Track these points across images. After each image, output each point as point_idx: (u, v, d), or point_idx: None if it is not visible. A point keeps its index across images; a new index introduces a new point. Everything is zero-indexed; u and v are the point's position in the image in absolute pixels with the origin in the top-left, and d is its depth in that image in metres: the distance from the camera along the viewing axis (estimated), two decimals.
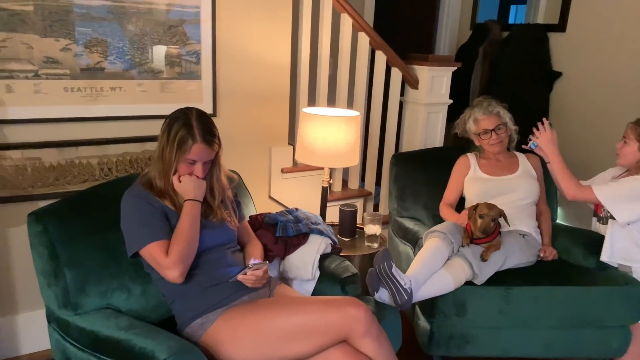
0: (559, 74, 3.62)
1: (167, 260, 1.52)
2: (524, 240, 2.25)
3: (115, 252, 1.65)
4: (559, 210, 2.75)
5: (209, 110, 2.42)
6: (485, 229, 2.08)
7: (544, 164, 2.51)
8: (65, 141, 2.15)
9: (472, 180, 2.44)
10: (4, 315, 2.20)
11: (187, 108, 1.64)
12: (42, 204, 1.77)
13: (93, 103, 2.16)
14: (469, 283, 2.04)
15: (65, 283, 1.58)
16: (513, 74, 3.72)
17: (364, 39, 2.93)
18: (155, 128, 1.65)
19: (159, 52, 2.26)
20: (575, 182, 2.20)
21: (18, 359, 2.23)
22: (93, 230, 1.67)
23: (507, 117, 2.43)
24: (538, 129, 2.28)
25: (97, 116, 2.18)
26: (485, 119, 2.39)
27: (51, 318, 1.66)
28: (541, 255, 2.30)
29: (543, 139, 2.26)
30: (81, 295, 1.59)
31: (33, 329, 2.20)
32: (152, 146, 2.24)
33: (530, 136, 2.30)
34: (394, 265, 1.89)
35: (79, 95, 2.12)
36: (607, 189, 2.15)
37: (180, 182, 1.63)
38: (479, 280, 2.03)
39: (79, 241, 1.62)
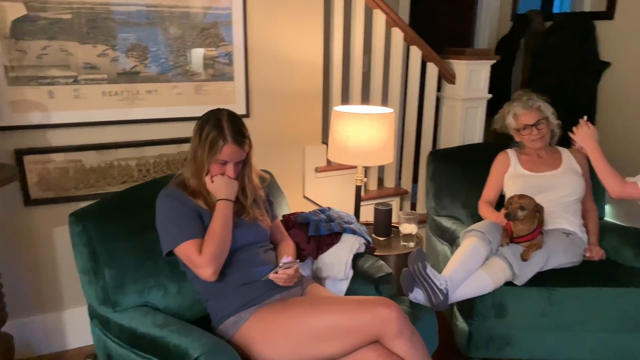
0: (607, 64, 3.45)
1: (201, 258, 1.54)
2: (567, 239, 2.15)
3: (152, 251, 1.68)
4: (607, 208, 2.62)
5: (242, 111, 2.44)
6: (509, 213, 2.00)
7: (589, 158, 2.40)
8: (104, 144, 2.22)
9: (512, 177, 2.36)
10: (52, 311, 2.30)
11: (218, 109, 1.66)
12: (84, 204, 1.83)
13: (130, 106, 2.22)
14: (508, 284, 1.97)
15: (105, 281, 1.62)
16: (557, 66, 3.57)
17: (398, 35, 2.88)
18: (190, 129, 1.68)
19: (193, 55, 2.29)
20: (618, 179, 2.06)
21: (65, 353, 2.33)
22: (131, 230, 1.71)
23: (548, 111, 2.33)
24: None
25: (134, 119, 2.24)
26: (525, 114, 2.30)
27: (93, 314, 1.71)
28: (587, 255, 2.19)
29: (581, 134, 2.13)
30: (119, 293, 1.63)
31: (78, 325, 2.28)
32: (187, 147, 2.25)
33: (569, 133, 2.20)
34: (428, 265, 1.85)
35: (116, 99, 2.19)
36: None
37: (212, 182, 1.65)
38: (520, 281, 1.96)
39: (117, 241, 1.67)
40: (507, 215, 2.01)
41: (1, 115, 2.00)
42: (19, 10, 1.95)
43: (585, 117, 2.14)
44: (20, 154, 2.08)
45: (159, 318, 1.58)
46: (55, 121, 2.10)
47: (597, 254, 2.19)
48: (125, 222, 1.72)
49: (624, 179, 2.06)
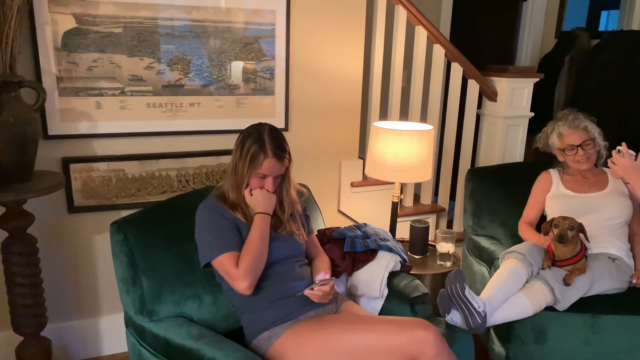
0: None
1: (237, 271, 1.55)
2: (613, 264, 2.06)
3: (190, 262, 1.70)
4: None
5: (281, 124, 2.46)
6: (562, 235, 1.94)
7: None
8: (146, 154, 2.27)
9: (554, 197, 2.29)
10: (89, 317, 2.35)
11: (260, 124, 1.68)
12: (125, 213, 1.87)
13: (173, 118, 2.27)
14: (549, 308, 1.90)
15: (142, 290, 1.65)
16: (603, 84, 3.47)
17: (439, 51, 2.86)
18: (230, 142, 1.71)
19: (236, 69, 2.33)
20: None
21: (100, 359, 2.37)
22: (169, 240, 1.74)
23: (595, 131, 2.25)
24: (618, 152, 2.06)
25: (177, 130, 2.29)
26: (570, 134, 2.23)
27: (128, 323, 1.74)
28: (633, 282, 2.09)
29: (622, 166, 2.03)
30: (156, 303, 1.65)
31: (114, 332, 2.33)
32: (227, 159, 2.31)
33: (608, 161, 2.10)
34: (467, 287, 1.80)
35: (160, 111, 2.24)
36: None
37: (251, 195, 1.66)
38: (561, 306, 1.89)
39: (156, 250, 1.69)
40: (560, 238, 1.95)
41: (51, 125, 2.08)
42: (70, 23, 2.02)
43: (624, 144, 2.04)
44: (67, 162, 2.14)
45: (194, 329, 1.59)
46: (101, 131, 2.17)
47: None
48: (165, 232, 1.75)
49: None
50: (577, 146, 2.22)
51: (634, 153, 2.03)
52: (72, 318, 2.32)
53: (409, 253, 2.45)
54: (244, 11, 2.28)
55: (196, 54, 2.24)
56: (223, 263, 1.57)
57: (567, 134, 2.24)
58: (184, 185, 2.36)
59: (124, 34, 2.11)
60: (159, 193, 2.32)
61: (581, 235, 2.01)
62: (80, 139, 2.15)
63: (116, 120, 2.18)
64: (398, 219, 2.53)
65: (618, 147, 2.06)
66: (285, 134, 1.72)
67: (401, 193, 2.50)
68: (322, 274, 1.64)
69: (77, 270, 2.29)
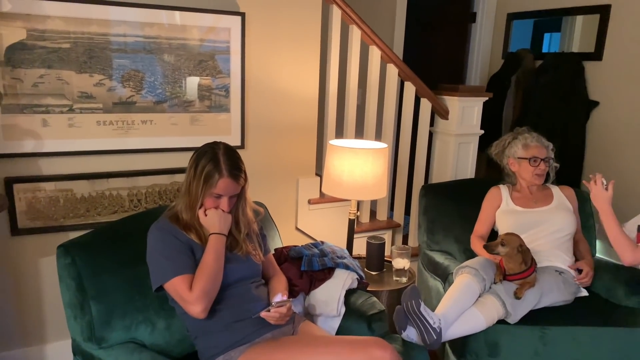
0: (595, 104, 3.52)
1: (191, 295, 1.51)
2: (560, 277, 2.15)
3: (142, 285, 1.65)
4: (598, 244, 2.63)
5: (237, 142, 2.44)
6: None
7: (579, 195, 2.42)
8: (96, 173, 2.20)
9: (504, 213, 2.37)
10: (34, 345, 2.23)
11: (215, 143, 1.66)
12: (74, 234, 1.80)
13: (124, 136, 2.21)
14: (501, 322, 1.95)
15: (91, 316, 1.58)
16: (547, 104, 3.64)
17: (392, 71, 2.92)
18: (184, 160, 1.68)
19: (191, 86, 2.31)
20: (630, 246, 2.01)
21: None
22: (120, 263, 1.68)
23: (551, 152, 2.37)
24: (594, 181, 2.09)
25: (128, 148, 2.23)
26: (538, 147, 2.32)
27: (76, 350, 1.66)
28: (577, 280, 2.18)
29: (595, 195, 2.08)
30: (106, 329, 1.59)
31: (61, 359, 2.21)
32: (181, 178, 2.27)
33: (584, 182, 2.17)
34: (422, 303, 1.83)
35: (111, 129, 2.18)
36: None
37: (206, 215, 1.63)
38: (512, 320, 1.95)
39: (106, 274, 1.64)
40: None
41: None
42: (13, 37, 1.94)
43: (600, 175, 2.08)
44: (10, 182, 2.05)
45: (145, 356, 1.54)
46: (47, 149, 2.09)
47: (587, 276, 2.20)
48: (115, 254, 1.69)
49: (635, 246, 2.02)
50: (541, 160, 2.31)
51: (604, 182, 2.08)
52: (15, 346, 2.20)
53: (365, 269, 2.47)
54: (199, 28, 2.27)
55: (149, 70, 2.20)
56: (176, 286, 1.53)
57: (534, 145, 2.32)
58: (135, 204, 2.30)
59: (73, 49, 2.05)
60: (109, 213, 2.25)
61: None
62: (24, 157, 2.06)
63: (64, 138, 2.10)
64: (355, 235, 2.54)
65: (596, 177, 2.08)
66: (241, 151, 1.71)
67: (358, 209, 2.52)
68: (279, 295, 1.62)
69: (21, 296, 2.17)
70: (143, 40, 2.16)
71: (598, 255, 2.61)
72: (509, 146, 2.39)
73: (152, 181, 2.31)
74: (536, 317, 1.99)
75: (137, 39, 2.15)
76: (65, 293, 1.62)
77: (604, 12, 3.42)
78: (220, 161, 1.58)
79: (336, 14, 2.70)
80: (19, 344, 2.20)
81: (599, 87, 3.51)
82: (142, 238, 1.64)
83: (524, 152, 2.34)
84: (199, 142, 1.69)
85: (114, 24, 2.10)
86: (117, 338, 1.60)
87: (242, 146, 2.47)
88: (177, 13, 2.21)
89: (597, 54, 3.48)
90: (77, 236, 1.72)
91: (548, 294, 2.06)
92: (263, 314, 1.55)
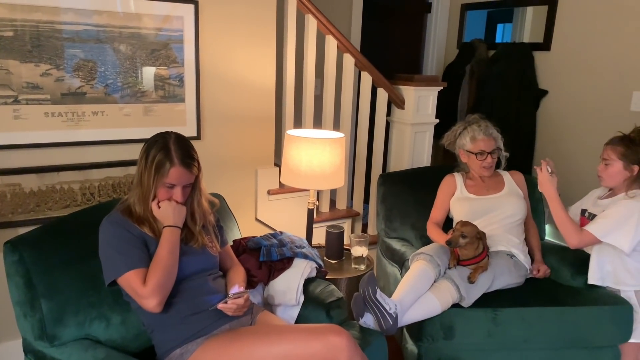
0: (545, 92, 3.65)
1: (145, 289, 1.48)
2: (512, 261, 2.23)
3: (95, 280, 1.61)
4: (547, 228, 2.74)
5: (192, 133, 2.40)
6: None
7: (528, 181, 2.51)
8: (45, 166, 2.12)
9: (458, 200, 2.43)
10: None
11: (166, 132, 1.63)
12: (23, 230, 1.74)
13: (75, 128, 2.14)
14: (456, 305, 2.02)
15: (42, 314, 1.54)
16: (500, 93, 3.74)
17: (349, 60, 2.94)
18: (137, 152, 1.64)
19: (143, 76, 2.25)
20: (575, 230, 2.10)
21: None
22: (72, 258, 1.63)
23: (500, 141, 2.42)
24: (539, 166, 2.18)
25: (79, 141, 2.16)
26: (485, 140, 2.36)
27: (28, 349, 1.62)
28: (534, 273, 2.28)
29: (542, 180, 2.16)
30: (58, 326, 1.55)
31: (12, 359, 2.14)
32: (134, 170, 2.21)
33: (535, 167, 2.23)
34: (378, 290, 1.86)
35: (60, 120, 2.11)
36: (602, 227, 2.06)
37: (159, 207, 1.60)
38: (466, 303, 2.01)
39: (56, 270, 1.59)
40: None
41: None
42: None
43: (548, 160, 2.17)
44: None
45: (101, 352, 1.51)
46: None
47: (544, 271, 2.29)
48: (67, 250, 1.64)
49: (580, 229, 2.11)
50: (488, 153, 2.37)
51: (549, 169, 2.17)
52: None
53: (325, 258, 2.49)
54: (150, 16, 2.21)
55: (100, 60, 2.14)
56: (130, 281, 1.50)
57: (480, 139, 2.37)
58: (88, 198, 2.24)
59: (16, 37, 1.96)
60: (61, 208, 2.18)
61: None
62: None
63: (9, 130, 2.02)
64: (315, 225, 2.56)
65: (543, 162, 2.17)
66: (198, 142, 1.69)
67: (317, 199, 2.53)
68: (237, 286, 1.62)
69: None
70: (91, 28, 2.09)
71: (547, 238, 2.73)
72: (460, 137, 2.45)
73: (105, 174, 2.25)
74: (489, 300, 2.06)
75: (84, 27, 2.08)
76: (13, 291, 1.57)
77: (552, 3, 3.54)
78: (171, 150, 1.56)
79: (291, 3, 2.68)
80: None
81: (547, 77, 3.64)
82: (94, 232, 1.61)
83: (472, 146, 2.39)
84: (152, 133, 1.65)
85: (60, 11, 2.02)
86: (70, 335, 1.56)
87: (198, 137, 2.43)
88: (131, 0, 2.14)
89: (545, 45, 3.60)
90: (26, 232, 1.66)
91: (500, 277, 2.14)
92: (220, 305, 1.55)
